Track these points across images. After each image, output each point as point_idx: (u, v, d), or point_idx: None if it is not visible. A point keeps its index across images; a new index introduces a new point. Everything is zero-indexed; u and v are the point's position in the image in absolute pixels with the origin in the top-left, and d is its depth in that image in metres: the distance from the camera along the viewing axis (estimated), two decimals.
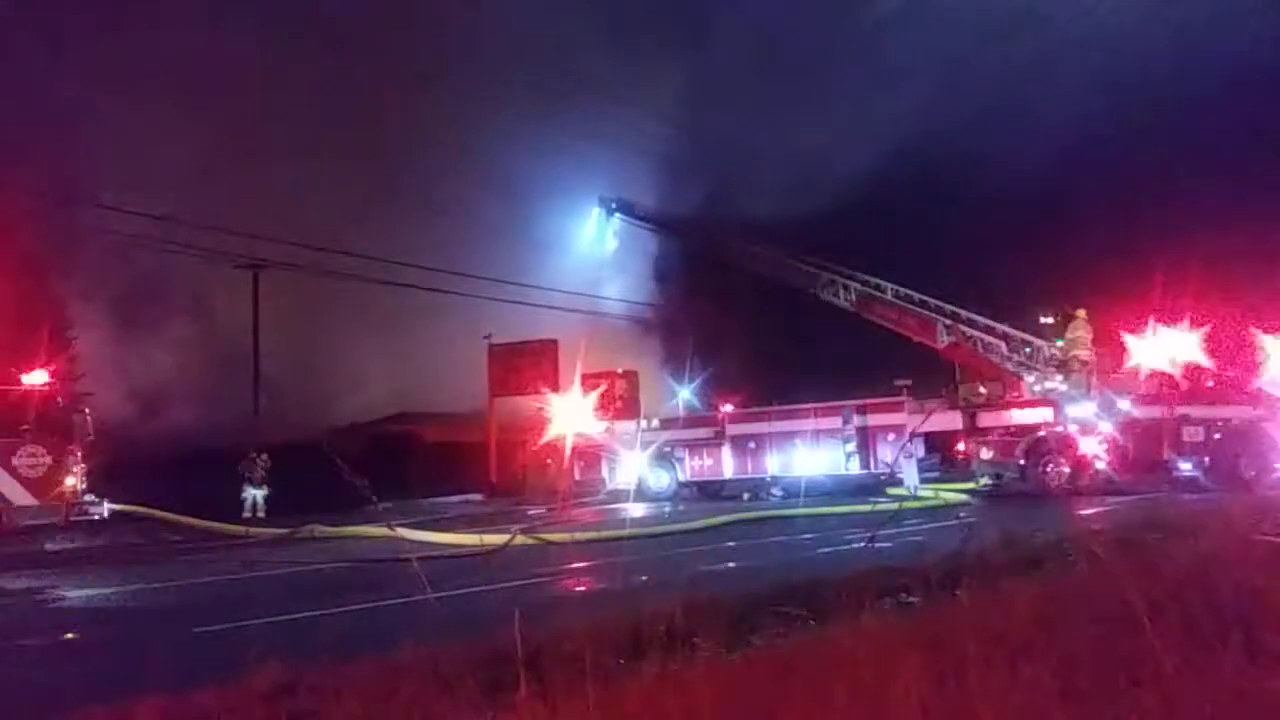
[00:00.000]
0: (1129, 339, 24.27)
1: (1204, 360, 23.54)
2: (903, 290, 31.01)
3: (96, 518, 20.75)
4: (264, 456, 28.17)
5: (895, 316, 30.74)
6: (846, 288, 32.26)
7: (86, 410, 21.78)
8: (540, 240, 42.23)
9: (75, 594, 14.70)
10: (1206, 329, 23.31)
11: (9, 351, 21.61)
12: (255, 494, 27.69)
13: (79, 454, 20.72)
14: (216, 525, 24.19)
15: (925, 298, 30.33)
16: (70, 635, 11.43)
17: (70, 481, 20.31)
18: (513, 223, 41.08)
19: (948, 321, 29.10)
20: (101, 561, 19.11)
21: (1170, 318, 23.45)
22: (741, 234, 37.76)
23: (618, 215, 42.00)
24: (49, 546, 20.16)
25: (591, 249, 42.52)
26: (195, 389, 35.77)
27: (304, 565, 17.38)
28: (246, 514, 26.98)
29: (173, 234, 31.43)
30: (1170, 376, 23.98)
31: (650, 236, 42.68)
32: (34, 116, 33.04)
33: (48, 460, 20.04)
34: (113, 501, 21.41)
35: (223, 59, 34.92)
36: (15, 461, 19.75)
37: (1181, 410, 24.05)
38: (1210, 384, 24.54)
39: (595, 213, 42.58)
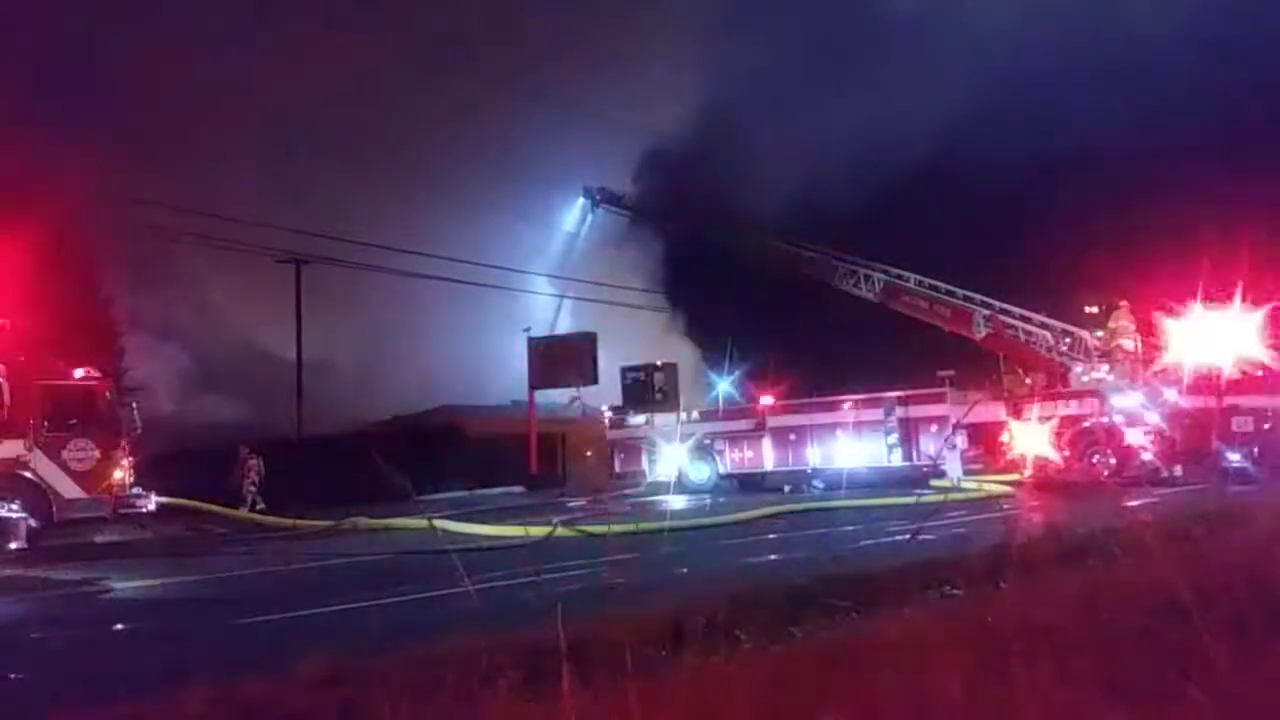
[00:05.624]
0: (1171, 328, 23.62)
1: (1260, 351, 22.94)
2: (927, 280, 30.54)
3: (144, 510, 20.96)
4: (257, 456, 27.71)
5: (926, 306, 30.32)
6: (868, 278, 31.81)
7: (133, 404, 22.04)
8: (570, 234, 42.56)
9: (123, 585, 14.89)
10: (1262, 315, 22.74)
11: (57, 346, 21.93)
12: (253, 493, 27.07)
13: (126, 447, 20.94)
14: (262, 518, 24.45)
15: (953, 289, 29.87)
16: (119, 626, 11.57)
17: (118, 475, 20.52)
18: (549, 218, 41.31)
19: (985, 312, 28.75)
20: (149, 554, 19.35)
21: (1219, 304, 22.88)
22: (753, 225, 37.22)
23: (603, 206, 42.11)
24: (97, 539, 20.45)
25: (597, 241, 42.83)
26: (239, 383, 36.19)
27: (348, 557, 17.51)
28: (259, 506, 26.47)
29: (217, 230, 31.78)
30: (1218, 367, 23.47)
31: (674, 229, 42.53)
32: (79, 114, 33.59)
33: (95, 454, 20.26)
34: (159, 495, 21.64)
35: (261, 58, 35.30)
36: (64, 455, 19.99)
37: (1230, 400, 23.66)
38: (1260, 373, 24.08)
39: (580, 203, 42.79)
